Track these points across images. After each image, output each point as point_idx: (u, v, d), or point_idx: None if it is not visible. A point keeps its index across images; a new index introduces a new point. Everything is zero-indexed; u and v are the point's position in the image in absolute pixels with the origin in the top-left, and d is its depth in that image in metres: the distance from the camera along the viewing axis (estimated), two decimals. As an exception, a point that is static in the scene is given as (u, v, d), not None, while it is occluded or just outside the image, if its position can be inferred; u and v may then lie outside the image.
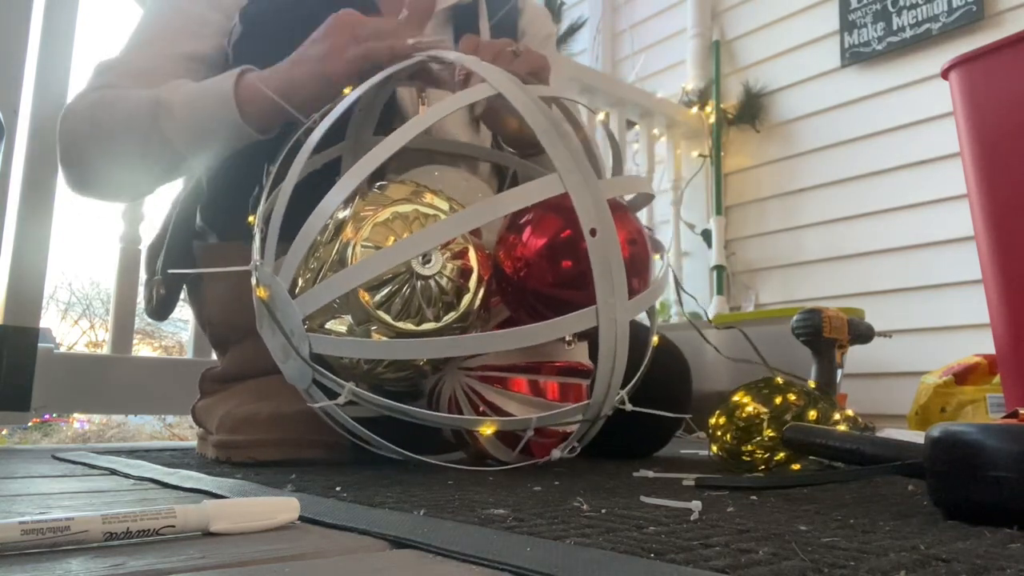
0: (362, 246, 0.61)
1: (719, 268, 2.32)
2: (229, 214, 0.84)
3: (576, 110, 0.76)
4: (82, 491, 0.54)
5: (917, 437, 0.60)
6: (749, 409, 0.71)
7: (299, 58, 0.76)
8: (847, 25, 2.14)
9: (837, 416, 0.75)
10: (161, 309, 0.95)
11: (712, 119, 2.41)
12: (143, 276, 1.01)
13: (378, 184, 0.68)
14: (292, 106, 0.73)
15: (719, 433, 0.73)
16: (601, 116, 2.06)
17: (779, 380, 0.74)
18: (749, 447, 0.70)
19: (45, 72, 1.18)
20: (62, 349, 1.58)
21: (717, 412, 0.74)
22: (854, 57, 2.12)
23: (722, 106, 2.42)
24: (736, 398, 0.73)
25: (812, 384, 0.91)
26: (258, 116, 0.77)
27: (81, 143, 0.83)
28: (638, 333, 0.65)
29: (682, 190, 2.41)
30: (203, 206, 0.90)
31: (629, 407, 0.65)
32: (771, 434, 0.69)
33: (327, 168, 0.78)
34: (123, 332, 1.31)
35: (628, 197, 0.73)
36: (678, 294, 0.83)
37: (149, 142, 0.80)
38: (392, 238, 0.61)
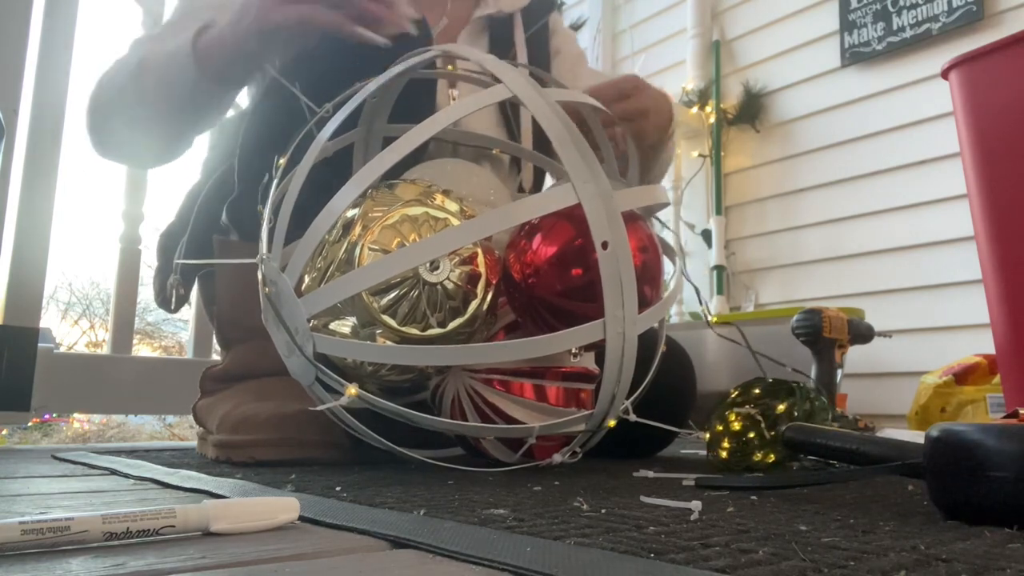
0: (370, 248, 0.61)
1: (719, 268, 2.32)
2: (255, 217, 0.84)
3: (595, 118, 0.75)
4: (82, 491, 0.54)
5: (917, 437, 0.60)
6: (744, 411, 0.71)
7: (243, 11, 0.77)
8: (847, 25, 2.14)
9: (830, 416, 0.75)
10: (176, 304, 0.96)
11: (712, 119, 2.41)
12: (150, 266, 1.02)
13: (387, 182, 0.67)
14: (246, 60, 0.78)
15: (716, 436, 0.73)
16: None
17: (770, 379, 0.74)
18: (747, 450, 0.70)
19: (45, 72, 1.18)
20: (62, 349, 1.58)
21: (713, 415, 0.74)
22: (854, 57, 2.12)
23: (722, 106, 2.41)
24: (731, 399, 0.73)
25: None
26: (217, 70, 0.79)
27: (99, 110, 0.90)
28: (645, 338, 0.65)
29: (682, 190, 2.41)
30: (230, 203, 0.89)
31: (633, 417, 0.65)
32: (768, 434, 0.69)
33: (336, 156, 0.78)
34: (123, 332, 1.31)
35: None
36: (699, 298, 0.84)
37: (138, 104, 0.85)
38: (400, 241, 0.61)
